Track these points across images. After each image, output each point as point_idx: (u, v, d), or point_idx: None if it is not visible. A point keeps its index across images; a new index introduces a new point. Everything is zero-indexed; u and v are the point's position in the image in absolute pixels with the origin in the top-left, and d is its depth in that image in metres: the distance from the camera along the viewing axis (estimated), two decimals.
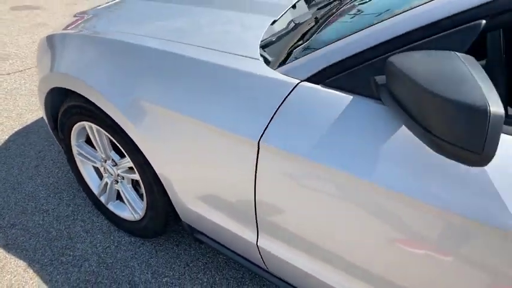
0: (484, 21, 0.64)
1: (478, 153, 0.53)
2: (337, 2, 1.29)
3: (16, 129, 2.23)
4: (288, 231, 0.95)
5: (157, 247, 1.54)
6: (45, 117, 1.58)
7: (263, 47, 1.04)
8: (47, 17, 4.19)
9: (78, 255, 1.49)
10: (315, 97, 0.81)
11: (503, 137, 0.65)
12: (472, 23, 0.65)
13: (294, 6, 1.32)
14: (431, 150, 0.64)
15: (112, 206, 1.57)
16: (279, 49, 1.02)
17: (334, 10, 1.15)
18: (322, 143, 0.78)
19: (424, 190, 0.68)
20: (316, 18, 1.17)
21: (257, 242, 1.04)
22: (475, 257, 0.67)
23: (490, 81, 0.54)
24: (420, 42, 0.69)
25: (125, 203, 1.53)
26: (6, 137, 2.16)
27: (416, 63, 0.59)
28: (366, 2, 1.01)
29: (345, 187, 0.78)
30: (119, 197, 1.57)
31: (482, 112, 0.51)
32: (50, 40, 1.41)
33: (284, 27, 1.17)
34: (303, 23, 1.19)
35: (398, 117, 0.65)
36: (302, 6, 1.35)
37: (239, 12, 1.30)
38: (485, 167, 0.63)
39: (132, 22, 1.36)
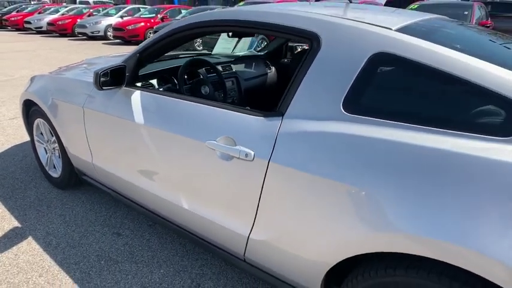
0: (138, 55, 1.84)
1: (100, 86, 1.70)
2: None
3: (16, 144, 3.54)
4: (96, 150, 2.06)
5: (73, 195, 2.65)
6: (22, 118, 2.85)
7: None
8: None
9: (26, 196, 2.62)
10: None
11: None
12: (135, 56, 1.85)
13: None
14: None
15: (51, 172, 2.73)
16: None
17: None
18: (89, 99, 1.96)
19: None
20: None
21: (92, 160, 2.15)
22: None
23: (122, 67, 1.73)
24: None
25: (55, 168, 2.69)
26: (8, 147, 3.45)
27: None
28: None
29: (90, 116, 1.92)
30: (55, 167, 2.74)
31: (96, 74, 1.68)
32: (32, 78, 2.74)
33: None
34: None
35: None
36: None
37: None
38: None
39: (73, 69, 2.67)
